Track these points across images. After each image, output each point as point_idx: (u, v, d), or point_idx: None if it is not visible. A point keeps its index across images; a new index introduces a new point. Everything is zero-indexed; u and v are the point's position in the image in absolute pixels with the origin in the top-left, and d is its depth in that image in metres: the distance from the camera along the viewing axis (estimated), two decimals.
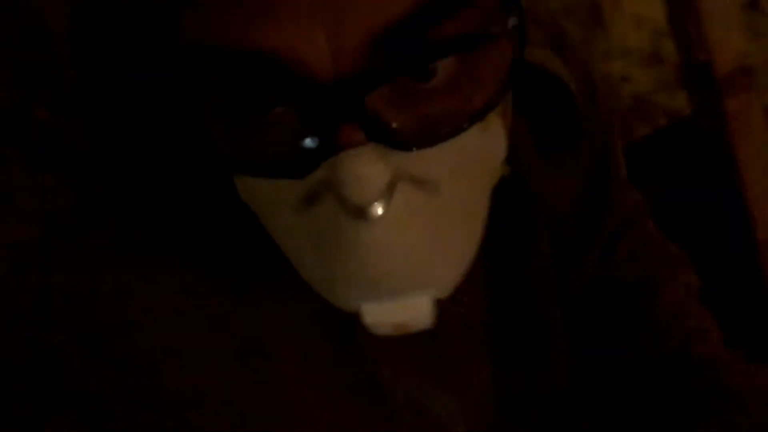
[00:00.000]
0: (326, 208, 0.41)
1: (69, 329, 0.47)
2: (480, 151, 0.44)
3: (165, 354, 0.48)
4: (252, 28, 0.37)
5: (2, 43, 0.49)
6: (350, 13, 0.36)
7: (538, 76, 0.57)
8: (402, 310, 0.45)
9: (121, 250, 0.48)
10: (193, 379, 0.48)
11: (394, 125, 0.40)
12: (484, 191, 0.46)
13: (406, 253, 0.42)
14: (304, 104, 0.39)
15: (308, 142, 0.40)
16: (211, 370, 0.49)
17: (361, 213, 0.40)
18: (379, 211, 0.40)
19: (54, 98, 0.49)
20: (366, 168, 0.40)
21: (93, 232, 0.48)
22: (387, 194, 0.40)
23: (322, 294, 0.46)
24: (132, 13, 0.44)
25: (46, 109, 0.49)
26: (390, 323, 0.45)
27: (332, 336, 0.52)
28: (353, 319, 0.49)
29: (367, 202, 0.40)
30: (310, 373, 0.51)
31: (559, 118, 0.60)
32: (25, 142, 0.52)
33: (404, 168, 0.41)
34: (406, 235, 0.42)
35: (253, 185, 0.43)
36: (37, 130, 0.52)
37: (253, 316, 0.50)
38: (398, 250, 0.42)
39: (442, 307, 0.46)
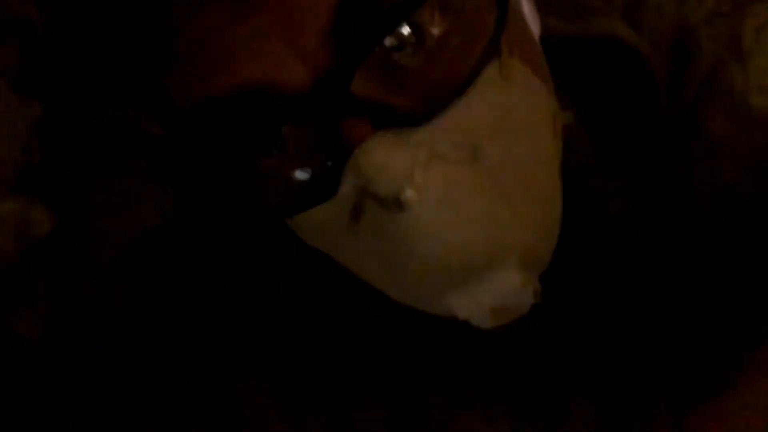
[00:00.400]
0: (372, 216, 0.41)
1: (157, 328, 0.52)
2: (514, 103, 0.41)
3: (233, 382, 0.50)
4: (222, 73, 0.38)
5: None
6: (298, 14, 0.36)
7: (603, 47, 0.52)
8: (492, 291, 0.42)
9: (205, 267, 0.53)
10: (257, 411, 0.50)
11: (395, 103, 0.39)
12: (542, 144, 0.43)
13: (465, 229, 0.40)
14: (300, 121, 0.39)
15: (322, 154, 0.40)
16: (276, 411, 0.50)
17: (398, 204, 0.39)
18: (412, 195, 0.39)
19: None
20: (384, 156, 0.38)
21: (187, 240, 0.54)
22: (419, 175, 0.39)
23: (416, 306, 0.45)
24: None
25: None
26: (486, 311, 0.43)
27: (384, 368, 0.51)
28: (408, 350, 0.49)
29: (397, 189, 0.39)
30: (364, 408, 0.51)
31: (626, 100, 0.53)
32: (141, 154, 0.60)
33: (429, 143, 0.39)
34: (457, 209, 0.40)
35: (304, 225, 0.44)
36: (150, 144, 0.60)
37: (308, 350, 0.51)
38: (454, 228, 0.40)
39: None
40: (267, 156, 0.41)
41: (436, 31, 0.38)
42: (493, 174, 0.40)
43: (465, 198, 0.40)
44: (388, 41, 0.37)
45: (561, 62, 0.46)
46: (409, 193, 0.38)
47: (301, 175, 0.41)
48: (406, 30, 0.38)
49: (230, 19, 0.36)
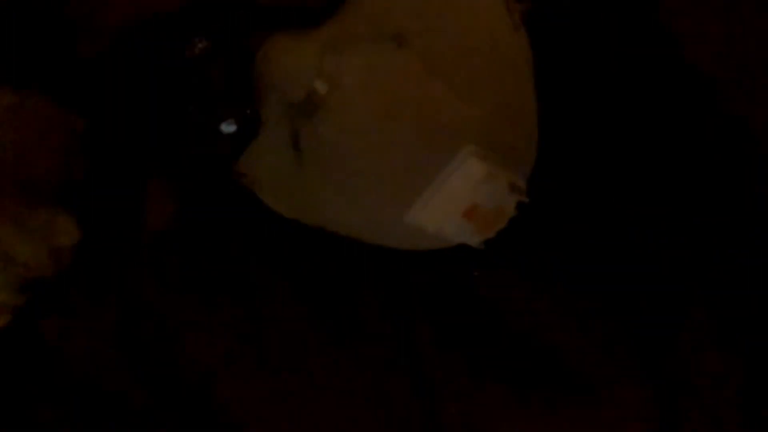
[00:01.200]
0: (308, 137, 0.38)
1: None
2: None
3: (216, 366, 0.50)
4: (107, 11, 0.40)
5: None
6: None
7: None
8: (453, 189, 0.37)
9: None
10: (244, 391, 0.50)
11: (286, 2, 0.37)
12: (492, 29, 0.39)
13: (397, 117, 0.37)
14: (199, 38, 0.38)
15: (231, 73, 0.38)
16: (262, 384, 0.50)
17: (313, 104, 0.36)
18: (322, 86, 0.36)
19: None
20: (285, 54, 0.36)
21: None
22: (329, 65, 0.36)
23: (393, 244, 0.43)
24: None
25: None
26: (458, 216, 0.37)
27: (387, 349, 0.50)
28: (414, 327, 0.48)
29: (305, 85, 0.36)
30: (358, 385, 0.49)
31: None
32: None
33: (338, 36, 0.37)
34: (383, 98, 0.37)
35: (262, 180, 0.43)
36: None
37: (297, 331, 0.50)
38: (384, 118, 0.37)
39: None
40: (188, 106, 0.40)
41: None
42: (427, 58, 0.37)
43: (392, 84, 0.37)
44: None
45: None
46: (318, 85, 0.36)
47: (227, 127, 0.39)
48: None
49: None
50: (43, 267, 0.60)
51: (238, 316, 0.50)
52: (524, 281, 0.48)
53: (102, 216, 0.60)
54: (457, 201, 0.37)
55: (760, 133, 0.54)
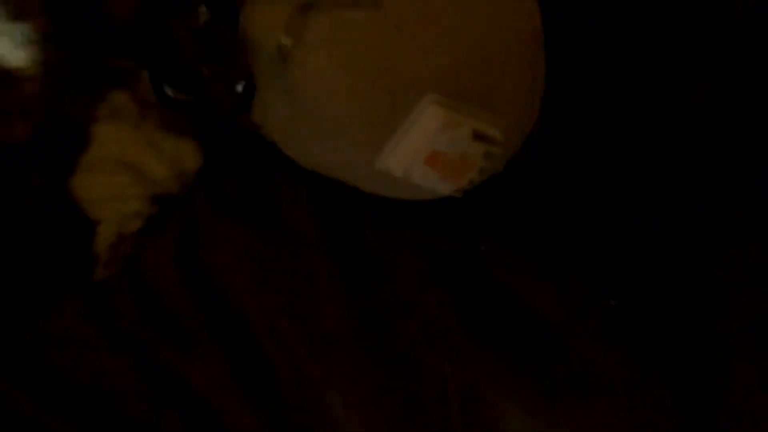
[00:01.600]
0: (287, 86, 0.41)
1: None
2: None
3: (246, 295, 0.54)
4: None
5: None
6: None
7: None
8: (413, 134, 0.39)
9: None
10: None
11: None
12: None
13: (358, 67, 0.40)
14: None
15: (233, 35, 0.42)
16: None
17: (283, 57, 0.40)
18: (287, 40, 0.40)
19: None
20: (259, 13, 0.40)
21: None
22: (296, 22, 0.40)
23: (366, 189, 0.46)
24: None
25: None
26: (420, 161, 0.39)
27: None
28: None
29: (274, 39, 0.40)
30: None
31: None
32: None
33: None
34: (346, 49, 0.39)
35: (278, 134, 0.47)
36: None
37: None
38: (345, 68, 0.40)
39: None
40: (202, 70, 0.43)
41: None
42: (398, 15, 0.38)
43: (355, 40, 0.38)
44: None
45: None
46: (284, 40, 0.39)
47: (240, 87, 0.43)
48: None
49: None
50: (171, 185, 0.71)
51: (264, 247, 0.54)
52: (532, 263, 0.48)
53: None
54: (419, 148, 0.39)
55: None
